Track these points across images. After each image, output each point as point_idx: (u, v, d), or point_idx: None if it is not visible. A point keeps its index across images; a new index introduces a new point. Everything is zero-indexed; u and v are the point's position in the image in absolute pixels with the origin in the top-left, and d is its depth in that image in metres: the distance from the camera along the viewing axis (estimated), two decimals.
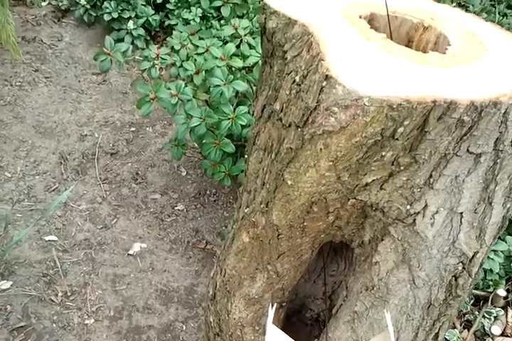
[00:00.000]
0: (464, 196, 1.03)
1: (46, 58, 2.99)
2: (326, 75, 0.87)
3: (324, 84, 0.88)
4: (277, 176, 1.07)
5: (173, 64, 2.27)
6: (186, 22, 3.04)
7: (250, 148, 1.22)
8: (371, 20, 1.11)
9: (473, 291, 2.20)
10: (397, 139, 0.91)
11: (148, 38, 3.18)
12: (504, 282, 2.20)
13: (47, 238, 2.08)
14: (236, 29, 2.08)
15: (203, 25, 3.04)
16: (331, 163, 0.96)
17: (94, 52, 3.11)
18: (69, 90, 2.81)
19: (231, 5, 2.17)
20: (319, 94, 0.90)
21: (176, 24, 3.07)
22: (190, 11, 3.03)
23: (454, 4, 2.70)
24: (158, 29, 3.22)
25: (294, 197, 1.06)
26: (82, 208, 2.23)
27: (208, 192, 2.43)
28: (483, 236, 1.11)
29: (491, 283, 2.17)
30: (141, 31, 3.07)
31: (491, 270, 2.18)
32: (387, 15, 1.07)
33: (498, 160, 0.99)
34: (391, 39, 1.10)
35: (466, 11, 3.16)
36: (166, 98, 2.00)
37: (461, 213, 1.05)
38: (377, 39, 0.98)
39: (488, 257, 2.15)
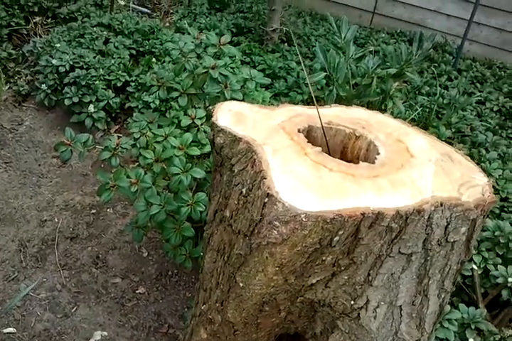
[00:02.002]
0: (401, 291, 1.12)
1: (6, 143, 3.04)
2: (268, 193, 0.98)
3: (266, 200, 0.99)
4: (230, 278, 1.15)
5: (134, 145, 2.37)
6: (146, 104, 3.18)
7: (205, 247, 1.30)
8: (310, 131, 1.24)
9: None
10: (334, 246, 1.01)
11: (109, 119, 3.29)
12: None
13: (5, 330, 2.05)
14: (193, 119, 2.21)
15: (163, 106, 3.18)
16: (277, 269, 1.04)
17: (55, 135, 3.22)
18: (29, 174, 2.85)
19: (188, 95, 2.31)
20: (262, 209, 1.00)
21: (137, 106, 3.20)
22: (150, 94, 3.18)
23: (397, 83, 2.92)
24: (118, 110, 3.34)
25: (246, 298, 1.13)
26: (41, 297, 2.22)
27: (169, 272, 2.46)
28: (423, 324, 1.20)
29: None
30: (102, 114, 3.18)
31: (446, 339, 2.24)
32: (322, 127, 1.20)
33: (428, 258, 1.09)
34: (328, 147, 1.24)
35: (410, 84, 3.42)
36: (126, 186, 2.07)
37: (400, 306, 1.14)
38: (313, 153, 1.10)
39: (443, 326, 2.22)
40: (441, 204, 1.02)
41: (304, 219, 0.95)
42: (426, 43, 2.73)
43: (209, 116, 1.27)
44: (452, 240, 1.08)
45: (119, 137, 3.29)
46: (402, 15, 4.31)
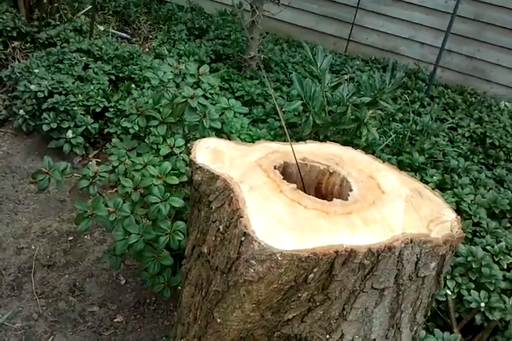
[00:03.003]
0: (375, 324, 1.15)
1: None
2: (244, 232, 1.01)
3: (243, 239, 1.02)
4: (207, 313, 1.17)
5: (112, 171, 2.38)
6: (125, 130, 3.20)
7: (183, 281, 1.32)
8: (286, 167, 1.28)
9: None
10: (309, 283, 1.04)
11: (88, 145, 3.30)
12: None
13: None
14: (172, 148, 2.24)
15: (142, 132, 3.20)
16: (254, 305, 1.07)
17: (33, 161, 3.21)
18: (6, 201, 2.84)
19: (167, 124, 2.34)
20: (239, 247, 1.03)
21: (115, 132, 3.22)
22: (129, 119, 3.19)
23: (371, 111, 2.98)
24: (97, 136, 3.35)
25: (224, 334, 1.15)
26: (17, 326, 2.19)
27: (147, 300, 2.45)
28: None
29: None
30: (80, 139, 3.19)
31: None
32: (297, 164, 1.25)
33: (400, 292, 1.13)
34: (303, 183, 1.28)
35: (384, 111, 3.50)
36: (105, 215, 2.08)
37: (374, 339, 1.17)
38: (289, 191, 1.14)
39: None
40: (411, 241, 1.06)
41: (279, 258, 0.98)
42: (399, 73, 2.82)
43: (187, 147, 1.30)
44: (423, 275, 1.12)
45: (97, 162, 3.33)
46: (376, 42, 4.43)
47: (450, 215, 1.19)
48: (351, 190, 1.21)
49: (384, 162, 1.34)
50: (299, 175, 1.27)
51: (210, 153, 1.24)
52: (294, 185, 1.16)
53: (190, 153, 1.23)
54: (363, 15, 4.37)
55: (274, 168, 1.23)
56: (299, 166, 1.26)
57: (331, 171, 1.28)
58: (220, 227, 1.10)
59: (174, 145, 2.26)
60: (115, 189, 2.93)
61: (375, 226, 1.09)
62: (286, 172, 1.27)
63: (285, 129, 1.29)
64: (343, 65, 4.13)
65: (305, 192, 1.23)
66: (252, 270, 1.01)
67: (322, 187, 1.31)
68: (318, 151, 1.34)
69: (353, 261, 1.03)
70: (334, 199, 1.16)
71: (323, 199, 1.20)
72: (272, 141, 1.36)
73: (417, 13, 4.19)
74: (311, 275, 1.02)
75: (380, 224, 1.10)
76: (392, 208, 1.16)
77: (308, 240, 1.02)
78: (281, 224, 1.04)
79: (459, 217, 1.19)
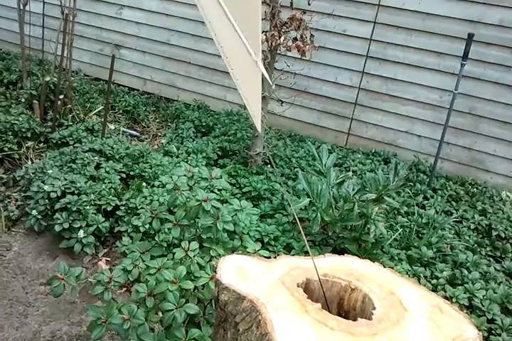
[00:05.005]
0: None
1: None
2: None
3: None
4: None
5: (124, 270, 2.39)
6: (136, 228, 3.25)
7: None
8: (308, 284, 1.32)
9: None
10: None
11: (98, 243, 3.33)
12: None
13: None
14: (186, 252, 2.27)
15: (152, 230, 3.24)
16: None
17: (43, 261, 3.22)
18: (16, 303, 2.81)
19: (180, 226, 2.40)
20: None
21: (126, 230, 3.27)
22: (140, 218, 3.25)
23: (378, 207, 3.05)
24: (107, 234, 3.39)
25: None
26: None
27: None
28: None
29: None
30: (91, 239, 3.22)
31: None
32: (320, 282, 1.28)
33: None
34: (325, 299, 1.30)
35: (389, 206, 3.55)
36: (119, 323, 2.07)
37: None
38: (314, 311, 1.17)
39: None
40: None
41: None
42: (402, 171, 2.93)
43: (213, 268, 1.34)
44: None
45: (107, 261, 3.34)
46: (375, 136, 4.61)
47: (472, 332, 1.20)
48: (374, 308, 1.23)
49: (402, 276, 1.38)
50: (321, 291, 1.30)
51: (235, 272, 1.28)
52: (319, 305, 1.19)
53: (215, 272, 1.27)
54: (361, 110, 4.59)
55: (297, 285, 1.26)
56: (322, 283, 1.30)
57: (352, 287, 1.31)
58: None
59: (189, 248, 2.30)
60: (124, 289, 2.93)
61: None
62: (308, 288, 1.31)
63: (307, 245, 1.34)
64: (344, 159, 4.27)
65: (328, 308, 1.25)
66: None
67: (344, 303, 1.33)
68: (338, 266, 1.38)
69: None
70: (359, 319, 1.18)
71: (346, 314, 1.22)
72: (292, 255, 1.40)
73: (413, 107, 4.40)
74: None
75: None
76: (416, 327, 1.17)
77: None
78: None
79: (480, 333, 1.21)
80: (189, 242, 2.33)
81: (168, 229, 2.55)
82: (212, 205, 2.40)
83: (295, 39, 3.25)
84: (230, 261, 1.32)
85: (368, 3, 4.20)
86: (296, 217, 1.72)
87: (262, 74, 0.92)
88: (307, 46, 3.26)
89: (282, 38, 3.20)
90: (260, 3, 0.92)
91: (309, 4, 3.18)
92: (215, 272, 1.27)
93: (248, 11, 0.85)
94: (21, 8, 4.37)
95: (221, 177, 2.53)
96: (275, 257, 1.39)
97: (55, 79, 4.28)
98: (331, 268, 1.36)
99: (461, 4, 3.93)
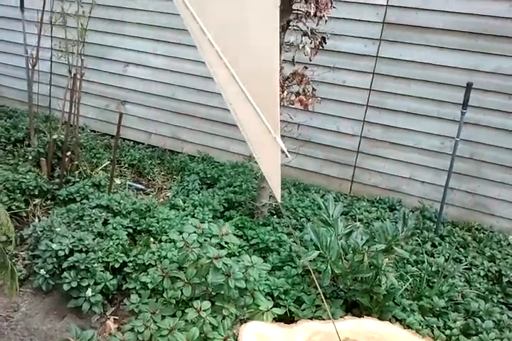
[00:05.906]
0: None
1: (1, 332, 2.98)
2: None
3: None
4: None
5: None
6: (144, 285, 3.21)
7: None
8: None
9: None
10: None
11: (106, 301, 3.28)
12: None
13: None
14: (199, 312, 2.25)
15: (160, 286, 3.21)
16: None
17: (51, 321, 3.17)
18: None
19: (191, 285, 2.39)
20: None
21: (134, 287, 3.23)
22: (148, 274, 3.23)
23: (387, 258, 3.03)
24: (115, 292, 3.35)
25: None
26: None
27: None
28: None
29: None
30: (99, 297, 3.18)
31: None
32: None
33: None
34: None
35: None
36: None
37: None
38: None
39: None
40: None
41: None
42: (410, 221, 2.94)
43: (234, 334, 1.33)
44: None
45: (115, 320, 3.28)
46: (378, 183, 4.64)
47: None
48: None
49: (423, 337, 1.37)
50: None
51: (256, 339, 1.27)
52: None
53: (236, 340, 1.26)
54: (364, 158, 4.64)
55: None
56: None
57: None
58: None
59: (201, 308, 2.28)
60: None
61: None
62: None
63: (325, 303, 1.34)
64: (350, 207, 4.28)
65: None
66: None
67: None
68: (358, 329, 1.37)
69: None
70: None
71: None
72: (310, 319, 1.40)
73: (415, 154, 4.46)
74: None
75: None
76: None
77: None
78: None
79: None
80: (200, 301, 2.32)
81: (178, 287, 2.54)
82: (223, 262, 2.40)
83: (298, 93, 3.34)
84: (251, 328, 1.32)
85: (367, 55, 4.33)
86: (311, 271, 1.72)
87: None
88: (310, 99, 3.35)
89: (285, 93, 3.29)
90: (278, 83, 0.96)
91: (310, 60, 3.29)
92: (236, 340, 1.26)
93: (268, 92, 0.89)
94: (30, 67, 4.51)
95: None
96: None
97: (62, 136, 4.35)
98: (351, 332, 1.36)
99: (456, 53, 4.06)
